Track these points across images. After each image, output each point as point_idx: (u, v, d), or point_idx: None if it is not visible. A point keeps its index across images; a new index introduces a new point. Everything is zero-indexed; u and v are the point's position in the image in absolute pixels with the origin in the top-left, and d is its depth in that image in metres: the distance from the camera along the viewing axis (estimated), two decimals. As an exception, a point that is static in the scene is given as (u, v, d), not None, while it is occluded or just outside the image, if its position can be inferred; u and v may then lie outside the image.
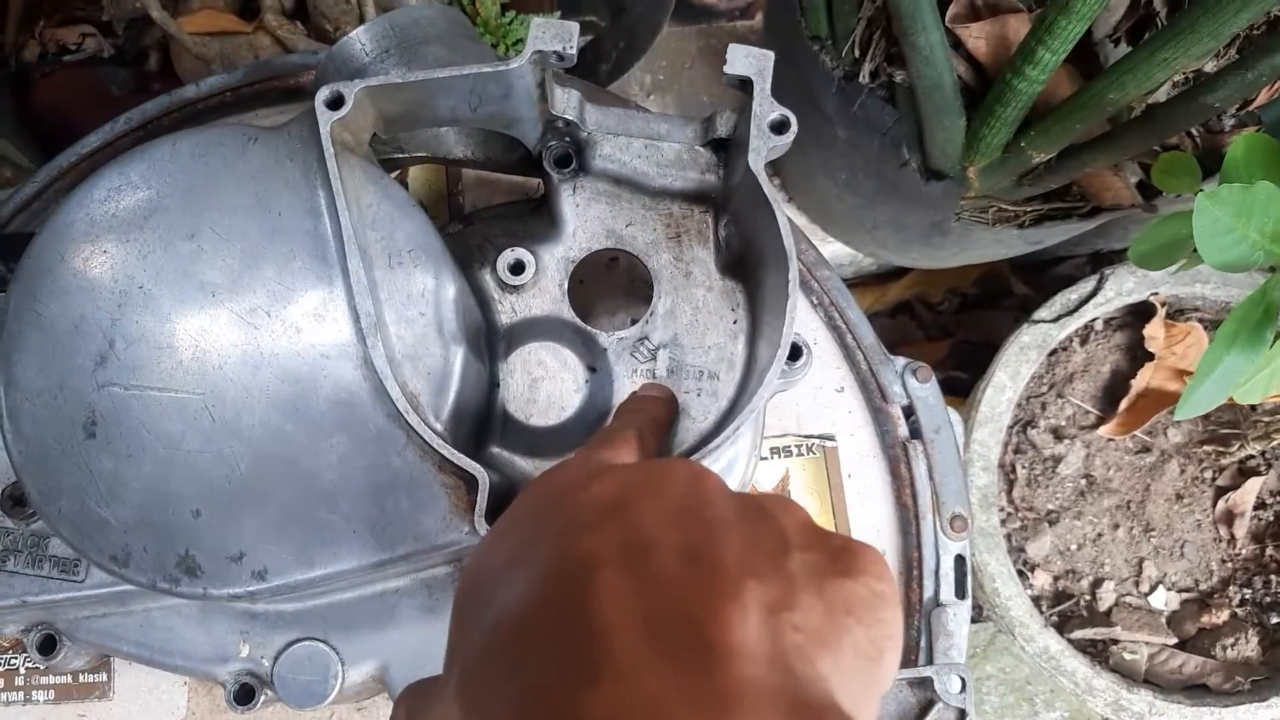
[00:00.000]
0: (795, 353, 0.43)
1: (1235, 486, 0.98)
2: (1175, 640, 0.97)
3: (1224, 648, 0.96)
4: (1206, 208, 0.52)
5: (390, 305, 0.41)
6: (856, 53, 0.74)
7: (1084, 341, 1.01)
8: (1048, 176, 0.70)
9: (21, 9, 0.90)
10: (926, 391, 0.52)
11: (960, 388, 1.10)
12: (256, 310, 0.41)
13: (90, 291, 0.42)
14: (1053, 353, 1.00)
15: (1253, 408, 1.00)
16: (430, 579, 0.47)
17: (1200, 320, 0.99)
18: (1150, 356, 0.98)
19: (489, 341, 0.47)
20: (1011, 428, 1.00)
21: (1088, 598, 0.98)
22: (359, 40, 0.45)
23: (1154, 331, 0.97)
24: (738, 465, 0.47)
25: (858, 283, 1.22)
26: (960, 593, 0.50)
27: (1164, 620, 0.97)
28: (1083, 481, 1.00)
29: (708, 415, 0.46)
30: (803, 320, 0.56)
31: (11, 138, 0.88)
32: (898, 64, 0.72)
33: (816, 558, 0.27)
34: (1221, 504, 0.99)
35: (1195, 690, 0.95)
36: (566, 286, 0.48)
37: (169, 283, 0.41)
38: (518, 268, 0.47)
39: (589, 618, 0.23)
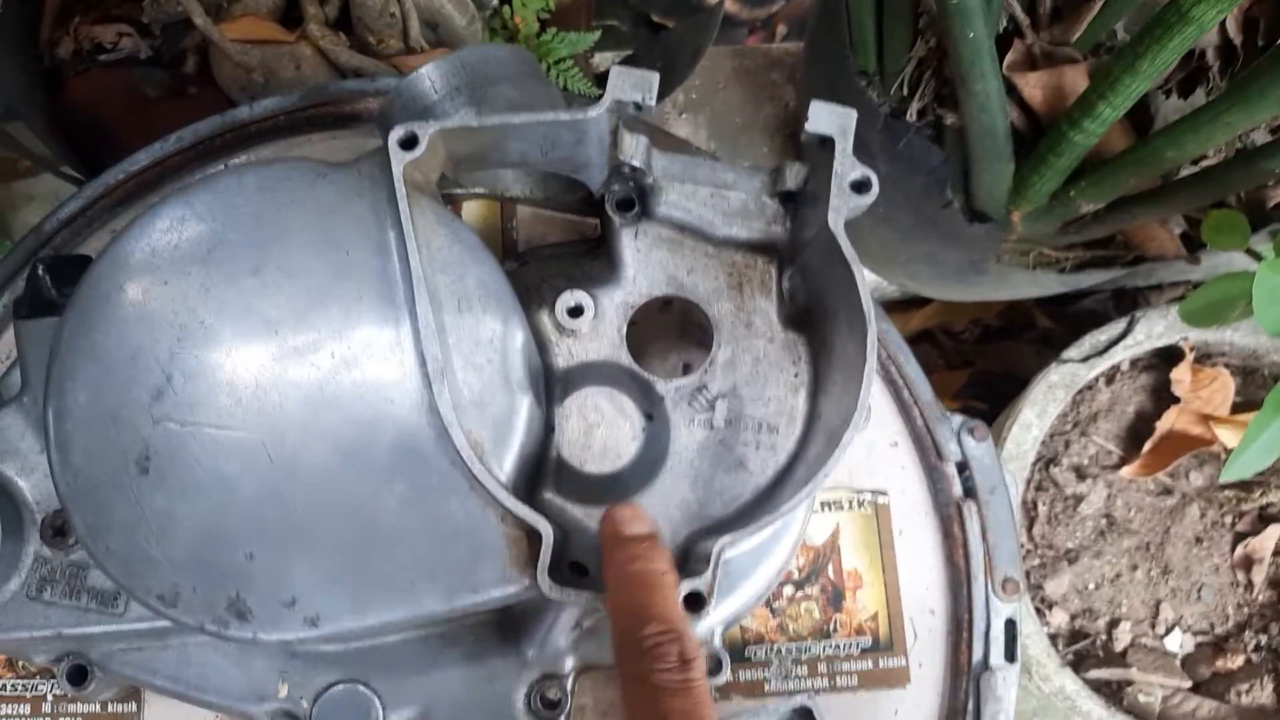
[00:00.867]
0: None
1: (1255, 532, 0.98)
2: (1190, 683, 0.96)
3: (1239, 693, 0.96)
4: (1267, 276, 0.51)
5: (458, 350, 0.41)
6: (905, 91, 0.74)
7: (1110, 381, 1.01)
8: (1094, 225, 0.70)
9: (58, 4, 0.89)
10: (982, 451, 0.52)
11: (978, 418, 1.10)
12: (320, 349, 0.40)
13: (149, 322, 0.41)
14: (1078, 392, 1.00)
15: (1278, 458, 1.00)
16: (475, 624, 0.46)
17: (1226, 365, 0.99)
18: (1175, 399, 0.98)
19: (545, 385, 0.46)
20: (1035, 464, 1.00)
21: (1104, 637, 0.98)
22: (428, 77, 0.44)
23: (1181, 375, 0.97)
24: (794, 522, 0.46)
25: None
26: (1010, 656, 0.49)
27: (1179, 663, 0.97)
28: (1103, 521, 1.00)
29: (766, 470, 0.45)
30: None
31: (41, 133, 0.87)
32: (947, 104, 0.72)
33: None
34: (1240, 549, 0.99)
35: (1209, 737, 0.95)
36: (624, 331, 0.47)
37: (231, 317, 0.41)
38: (576, 311, 0.47)
39: None
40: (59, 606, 0.46)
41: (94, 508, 0.41)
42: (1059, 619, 0.99)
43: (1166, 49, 0.51)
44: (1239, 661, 0.97)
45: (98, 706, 0.52)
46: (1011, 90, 0.68)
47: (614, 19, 1.15)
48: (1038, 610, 0.97)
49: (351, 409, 0.40)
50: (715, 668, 0.45)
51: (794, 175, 0.45)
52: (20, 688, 0.53)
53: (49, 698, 0.53)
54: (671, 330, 0.54)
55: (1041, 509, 1.00)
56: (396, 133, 0.40)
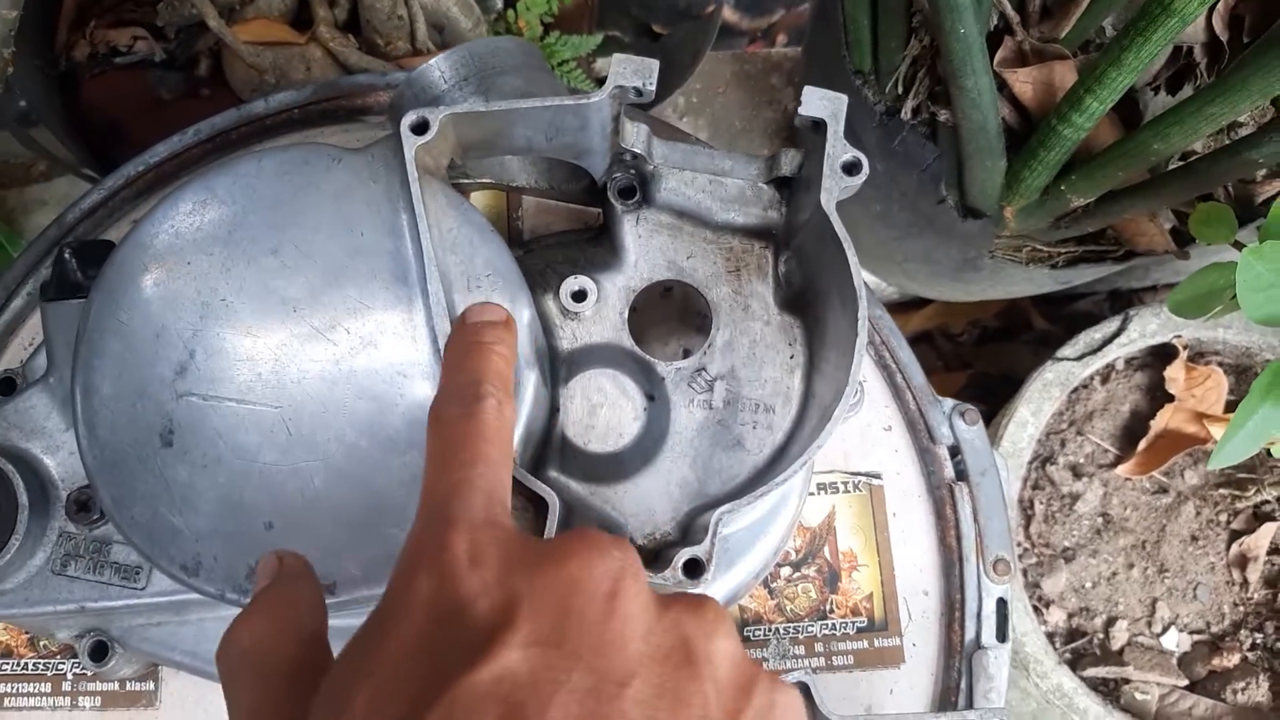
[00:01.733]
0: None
1: (1250, 531, 0.99)
2: (1186, 682, 0.97)
3: (1234, 691, 0.96)
4: (1250, 263, 0.53)
5: (466, 328, 0.42)
6: (900, 89, 0.76)
7: (1105, 380, 1.02)
8: (1085, 220, 0.71)
9: (74, 9, 0.91)
10: (973, 434, 0.53)
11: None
12: (336, 327, 0.42)
13: (172, 302, 0.43)
14: (1074, 390, 1.01)
15: (1269, 453, 1.01)
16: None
17: (1220, 364, 1.00)
18: (1170, 398, 0.99)
19: (551, 367, 0.48)
20: (1031, 463, 1.01)
21: (1101, 636, 0.99)
22: (438, 68, 0.46)
23: (1175, 374, 0.99)
24: (790, 501, 0.48)
25: (879, 312, 1.23)
26: (1001, 636, 0.51)
27: (1175, 661, 0.98)
28: (1099, 520, 1.01)
29: (763, 448, 0.47)
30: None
31: (60, 135, 0.89)
32: (941, 102, 0.73)
33: None
34: (1236, 548, 1.00)
35: (1205, 732, 0.96)
36: (626, 315, 0.49)
37: (251, 296, 0.42)
38: (580, 295, 0.48)
39: None
40: (83, 581, 0.47)
41: (119, 480, 0.42)
42: (1056, 617, 1.00)
43: (1150, 41, 0.53)
44: (1235, 660, 0.98)
45: (116, 685, 0.54)
46: (1002, 87, 0.70)
47: (615, 29, 1.17)
48: (1035, 609, 0.98)
49: (366, 384, 0.42)
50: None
51: (789, 161, 0.46)
52: (41, 666, 0.54)
53: (69, 676, 0.54)
54: (672, 317, 0.55)
55: (1038, 508, 1.01)
56: (408, 118, 0.41)
